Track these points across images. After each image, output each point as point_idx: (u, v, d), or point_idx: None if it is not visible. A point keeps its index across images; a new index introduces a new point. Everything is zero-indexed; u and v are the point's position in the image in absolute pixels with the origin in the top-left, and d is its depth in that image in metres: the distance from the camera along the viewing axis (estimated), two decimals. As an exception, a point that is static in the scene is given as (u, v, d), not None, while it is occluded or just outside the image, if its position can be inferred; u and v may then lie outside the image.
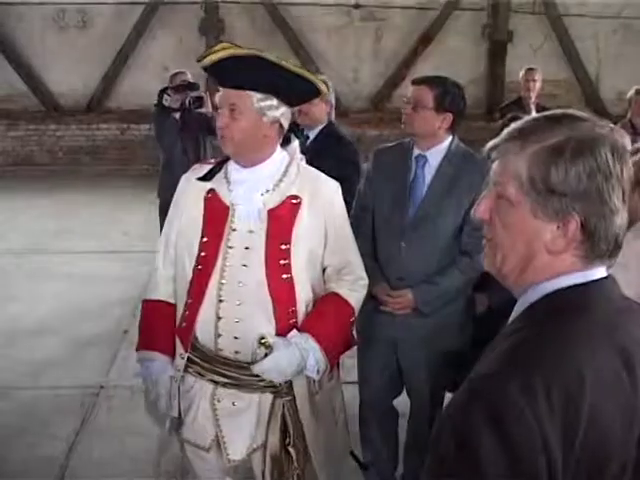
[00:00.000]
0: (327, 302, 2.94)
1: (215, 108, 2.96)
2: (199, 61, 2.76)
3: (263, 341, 2.79)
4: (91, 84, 13.11)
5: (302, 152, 3.04)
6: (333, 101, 4.96)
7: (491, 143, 1.56)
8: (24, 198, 11.22)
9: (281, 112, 2.79)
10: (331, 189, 2.95)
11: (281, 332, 2.82)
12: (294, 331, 2.82)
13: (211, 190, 2.90)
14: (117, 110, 13.28)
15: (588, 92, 13.68)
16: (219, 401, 2.93)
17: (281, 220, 2.83)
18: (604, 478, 1.41)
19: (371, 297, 3.34)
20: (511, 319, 1.57)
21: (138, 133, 13.05)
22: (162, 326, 3.01)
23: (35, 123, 13.07)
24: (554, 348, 1.41)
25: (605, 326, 1.47)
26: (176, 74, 7.06)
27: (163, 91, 6.65)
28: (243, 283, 2.82)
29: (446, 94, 3.50)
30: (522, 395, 1.34)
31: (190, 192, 2.95)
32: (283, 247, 2.81)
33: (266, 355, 2.78)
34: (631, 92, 7.11)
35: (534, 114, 1.83)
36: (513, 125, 1.55)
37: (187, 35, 13.02)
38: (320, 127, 4.77)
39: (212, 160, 3.07)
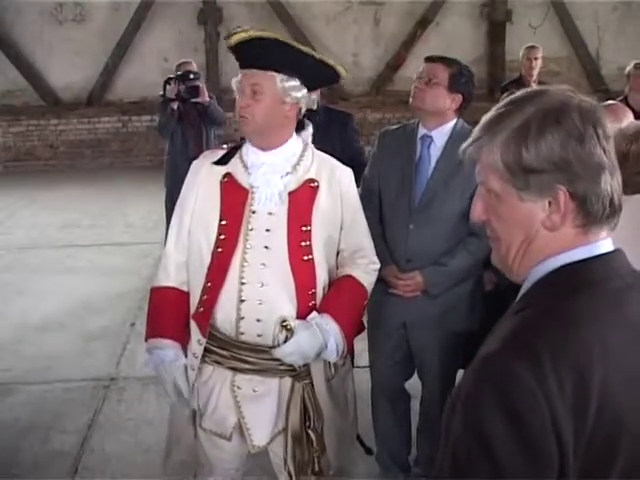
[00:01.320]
0: (343, 284, 2.94)
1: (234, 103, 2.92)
2: (226, 39, 2.74)
3: (285, 324, 2.79)
4: (91, 77, 13.10)
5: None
6: None
7: (465, 144, 1.55)
8: (27, 193, 11.24)
9: (302, 94, 2.80)
10: (346, 175, 2.97)
11: (301, 314, 2.83)
12: (314, 313, 2.83)
13: (227, 174, 2.89)
14: (118, 102, 13.28)
15: (589, 69, 13.64)
16: (239, 388, 2.91)
17: (301, 203, 2.84)
18: (617, 456, 1.39)
19: (380, 280, 3.33)
20: (518, 298, 1.55)
21: (140, 124, 13.05)
22: (173, 313, 2.96)
23: (36, 118, 13.08)
24: (560, 325, 1.39)
25: (613, 301, 1.45)
26: (180, 64, 7.06)
27: (167, 81, 6.64)
28: (266, 265, 2.81)
29: (460, 75, 3.52)
30: (532, 375, 1.32)
31: (204, 177, 2.92)
32: (304, 229, 2.83)
33: (287, 338, 2.78)
34: (629, 67, 6.91)
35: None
36: (482, 118, 1.54)
37: (186, 25, 13.01)
38: None
39: (224, 146, 3.04)
